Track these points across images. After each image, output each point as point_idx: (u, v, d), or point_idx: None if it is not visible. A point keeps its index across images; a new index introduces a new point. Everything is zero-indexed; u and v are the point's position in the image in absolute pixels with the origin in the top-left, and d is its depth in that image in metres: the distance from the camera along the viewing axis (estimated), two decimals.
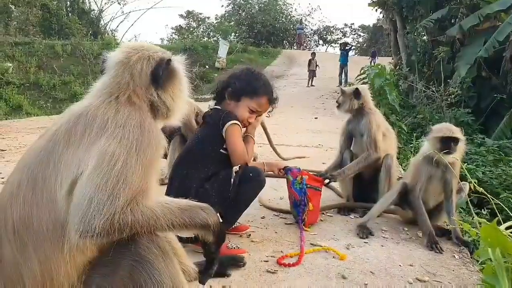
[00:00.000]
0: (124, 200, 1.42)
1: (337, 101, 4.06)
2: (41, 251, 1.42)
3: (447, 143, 3.17)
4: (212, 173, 2.77)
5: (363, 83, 12.09)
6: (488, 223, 1.18)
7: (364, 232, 3.19)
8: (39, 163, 1.48)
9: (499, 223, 1.67)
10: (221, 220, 1.73)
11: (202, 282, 1.88)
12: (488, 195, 2.03)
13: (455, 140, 3.18)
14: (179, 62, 1.83)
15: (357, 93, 3.91)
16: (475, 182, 2.38)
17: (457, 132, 3.23)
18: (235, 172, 2.73)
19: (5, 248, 1.43)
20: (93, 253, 1.50)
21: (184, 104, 1.86)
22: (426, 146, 3.34)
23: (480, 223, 1.52)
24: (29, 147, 1.60)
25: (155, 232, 1.54)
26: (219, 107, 2.96)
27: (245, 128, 3.01)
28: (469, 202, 2.60)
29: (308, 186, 3.27)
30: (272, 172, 3.23)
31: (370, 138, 3.78)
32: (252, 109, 2.91)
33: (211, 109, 3.02)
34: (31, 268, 1.42)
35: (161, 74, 1.70)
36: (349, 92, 3.94)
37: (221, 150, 2.81)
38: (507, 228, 1.53)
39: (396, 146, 4.23)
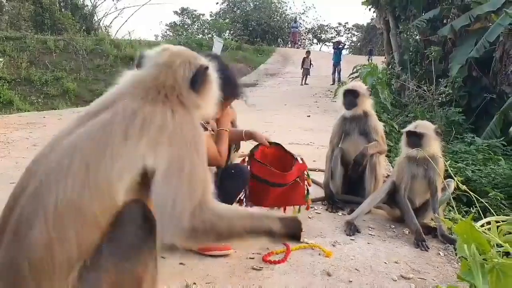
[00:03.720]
0: (199, 197, 1.56)
1: (349, 102, 3.93)
2: (83, 234, 1.44)
3: (412, 138, 3.28)
4: None
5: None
6: (463, 219, 1.19)
7: (351, 229, 3.21)
8: (93, 151, 1.50)
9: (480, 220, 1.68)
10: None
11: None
12: (471, 193, 2.04)
13: (419, 136, 3.24)
14: (212, 69, 1.93)
15: (370, 92, 4.04)
16: (460, 180, 2.40)
17: (422, 128, 3.29)
18: (215, 173, 2.70)
19: (37, 231, 1.40)
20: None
21: (214, 106, 1.95)
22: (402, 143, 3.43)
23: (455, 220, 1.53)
24: (74, 131, 1.57)
25: (233, 232, 1.64)
26: None
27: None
28: (451, 200, 2.61)
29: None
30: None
31: (379, 135, 3.91)
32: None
33: None
34: (68, 249, 1.42)
35: (198, 80, 1.80)
36: (366, 93, 3.97)
37: None
38: (487, 224, 1.54)
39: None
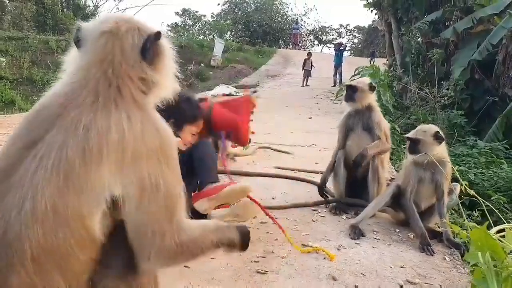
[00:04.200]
0: (177, 217, 1.47)
1: (348, 97, 3.96)
2: (70, 274, 1.34)
3: (411, 144, 3.29)
4: None
5: None
6: (478, 226, 1.17)
7: (356, 233, 3.19)
8: (56, 188, 1.29)
9: (489, 226, 1.67)
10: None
11: None
12: (479, 198, 2.03)
13: (415, 141, 3.25)
14: (165, 37, 1.65)
15: (372, 87, 3.97)
16: (466, 184, 2.39)
17: (420, 133, 3.27)
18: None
19: (16, 278, 1.27)
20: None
21: (174, 81, 1.67)
22: None
23: (470, 227, 1.52)
24: (24, 162, 1.34)
25: (204, 249, 1.57)
26: None
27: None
28: (460, 205, 2.60)
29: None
30: None
31: (382, 131, 3.88)
32: (193, 133, 3.23)
33: None
34: None
35: (150, 48, 1.52)
36: (365, 87, 3.94)
37: None
38: (497, 232, 1.53)
39: None
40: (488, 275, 1.11)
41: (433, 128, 3.35)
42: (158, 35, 1.55)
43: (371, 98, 3.97)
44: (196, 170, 3.11)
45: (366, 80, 4.25)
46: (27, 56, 18.79)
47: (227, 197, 2.89)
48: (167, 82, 1.62)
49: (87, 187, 1.31)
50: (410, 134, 3.37)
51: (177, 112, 3.09)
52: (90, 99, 1.39)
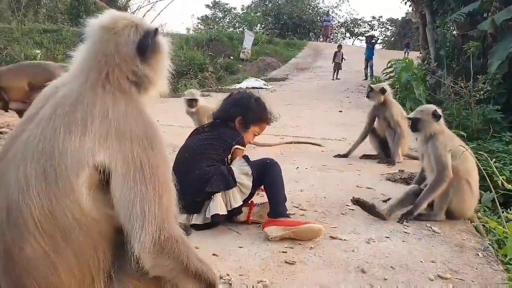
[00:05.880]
0: (166, 204, 1.45)
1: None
2: (72, 240, 1.39)
3: (412, 123, 3.61)
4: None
5: (390, 77, 11.86)
6: None
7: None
8: (42, 153, 1.37)
9: None
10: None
11: None
12: None
13: (414, 120, 3.57)
14: (162, 34, 1.69)
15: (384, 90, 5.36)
16: (504, 179, 2.31)
17: (417, 113, 3.62)
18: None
19: (29, 246, 1.35)
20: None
21: (165, 80, 1.70)
22: None
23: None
24: (19, 137, 1.46)
25: (187, 263, 1.48)
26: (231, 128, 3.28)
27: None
28: (496, 199, 2.52)
29: None
30: None
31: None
32: (255, 134, 3.41)
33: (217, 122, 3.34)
34: (66, 259, 1.38)
35: (147, 45, 1.57)
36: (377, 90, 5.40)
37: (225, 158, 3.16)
38: None
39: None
40: None
41: (430, 107, 3.66)
42: (156, 32, 1.61)
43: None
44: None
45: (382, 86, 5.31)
46: (61, 48, 19.26)
47: (303, 233, 2.84)
48: (159, 79, 1.66)
49: (71, 149, 1.37)
50: (410, 115, 3.71)
51: (246, 111, 3.30)
52: (80, 81, 1.51)
